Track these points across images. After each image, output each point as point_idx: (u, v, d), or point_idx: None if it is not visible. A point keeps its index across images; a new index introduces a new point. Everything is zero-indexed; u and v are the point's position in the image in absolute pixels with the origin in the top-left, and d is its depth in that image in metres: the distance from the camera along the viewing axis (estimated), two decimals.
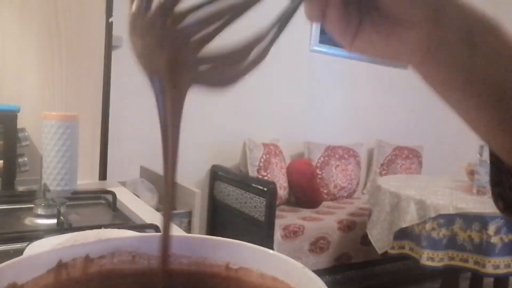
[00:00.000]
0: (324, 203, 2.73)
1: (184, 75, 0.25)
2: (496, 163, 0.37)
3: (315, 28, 2.74)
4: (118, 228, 0.63)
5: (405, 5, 0.29)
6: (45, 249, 0.31)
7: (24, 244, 0.57)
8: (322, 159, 2.83)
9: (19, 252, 0.52)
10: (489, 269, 1.78)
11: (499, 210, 0.38)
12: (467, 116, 0.33)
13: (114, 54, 1.28)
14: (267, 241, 2.06)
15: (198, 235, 0.35)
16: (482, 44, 0.30)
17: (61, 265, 0.30)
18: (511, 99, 0.30)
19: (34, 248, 0.52)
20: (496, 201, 0.38)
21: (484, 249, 1.78)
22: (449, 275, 2.02)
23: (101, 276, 0.32)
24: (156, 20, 0.23)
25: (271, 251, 0.33)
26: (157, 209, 1.19)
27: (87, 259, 0.32)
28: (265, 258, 0.32)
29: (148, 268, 0.33)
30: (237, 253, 0.33)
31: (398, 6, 0.29)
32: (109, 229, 0.53)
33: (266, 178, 2.43)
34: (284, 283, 0.31)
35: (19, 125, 1.01)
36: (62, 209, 0.77)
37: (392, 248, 2.03)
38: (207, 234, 2.43)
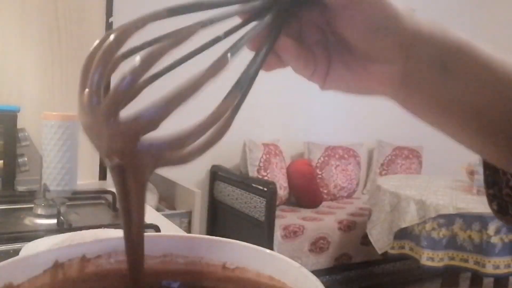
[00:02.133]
0: (324, 203, 2.73)
1: (145, 161, 0.24)
2: (489, 164, 0.37)
3: None
4: (118, 228, 0.63)
5: (375, 44, 0.29)
6: (42, 249, 0.31)
7: (24, 244, 0.58)
8: (322, 159, 2.83)
9: (19, 252, 0.52)
10: (489, 269, 1.78)
11: (493, 213, 0.38)
12: (449, 134, 0.33)
13: None
14: (267, 241, 2.06)
15: (195, 235, 0.35)
16: (455, 69, 0.29)
17: (57, 265, 0.30)
18: (491, 117, 0.30)
19: (30, 249, 0.52)
20: (490, 203, 0.38)
21: (484, 249, 1.78)
22: (449, 275, 2.02)
23: (98, 276, 0.32)
24: (108, 118, 0.23)
25: (267, 250, 0.33)
26: (157, 209, 1.19)
27: (84, 259, 0.32)
28: (262, 258, 0.32)
29: (146, 268, 0.33)
30: (233, 252, 0.33)
31: (368, 46, 0.29)
32: (106, 229, 0.53)
33: (266, 178, 2.43)
34: (281, 282, 0.31)
35: (19, 125, 1.01)
36: (62, 209, 0.77)
37: (392, 248, 2.03)
38: (207, 234, 2.43)
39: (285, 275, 0.31)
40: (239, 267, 0.33)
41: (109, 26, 1.20)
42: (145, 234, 0.29)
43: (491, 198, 0.38)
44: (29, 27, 1.10)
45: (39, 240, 0.55)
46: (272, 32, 0.29)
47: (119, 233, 0.29)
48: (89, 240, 0.33)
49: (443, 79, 0.29)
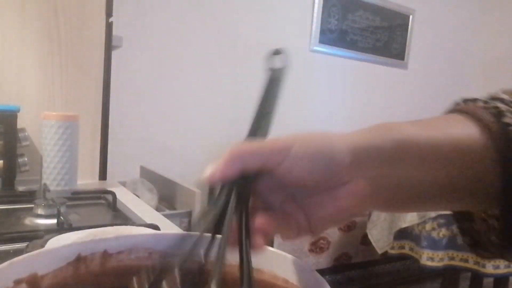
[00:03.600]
0: None
1: None
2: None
3: (315, 28, 2.74)
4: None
5: (322, 177, 0.30)
6: (66, 242, 0.32)
7: (24, 244, 0.58)
8: None
9: (19, 252, 0.52)
10: (489, 269, 1.78)
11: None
12: (435, 209, 0.37)
13: (114, 54, 1.28)
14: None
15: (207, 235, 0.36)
16: (401, 163, 0.31)
17: (80, 259, 0.31)
18: (454, 187, 0.32)
19: (55, 242, 0.53)
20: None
21: None
22: (449, 275, 2.01)
23: (118, 271, 0.33)
24: None
25: (285, 253, 0.33)
26: (157, 209, 1.19)
27: (105, 254, 0.33)
28: (277, 259, 0.33)
29: (145, 265, 0.34)
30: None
31: (317, 181, 0.30)
32: (128, 226, 0.54)
33: None
34: (295, 285, 0.32)
35: (19, 125, 1.01)
36: (62, 209, 0.77)
37: (392, 248, 2.03)
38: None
39: (298, 277, 0.31)
40: (255, 268, 0.33)
41: (108, 26, 1.20)
42: (164, 232, 0.30)
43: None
44: (29, 27, 1.10)
45: (64, 234, 0.56)
46: (241, 217, 0.30)
47: (140, 230, 0.30)
48: (111, 236, 0.34)
49: (393, 171, 0.31)
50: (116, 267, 0.33)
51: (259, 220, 0.30)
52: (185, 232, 0.30)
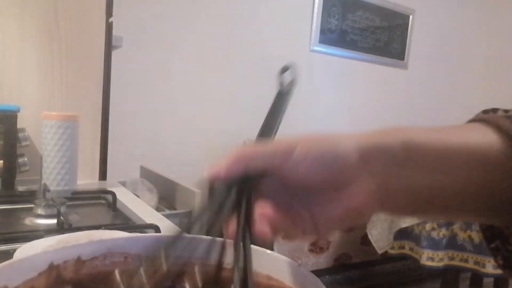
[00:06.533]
0: None
1: None
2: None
3: (315, 28, 2.74)
4: (118, 228, 0.63)
5: (330, 178, 0.30)
6: (36, 251, 0.30)
7: (24, 244, 0.57)
8: None
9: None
10: (489, 269, 1.78)
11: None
12: (442, 219, 0.35)
13: (114, 54, 1.28)
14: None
15: (191, 235, 0.35)
16: (410, 165, 0.30)
17: (52, 267, 0.30)
18: (461, 195, 0.31)
19: (25, 251, 0.52)
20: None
21: (484, 249, 1.78)
22: (449, 275, 2.01)
23: (93, 278, 0.32)
24: None
25: (265, 249, 0.33)
26: (157, 209, 1.19)
27: (79, 261, 0.32)
28: (260, 257, 0.32)
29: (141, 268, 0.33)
30: (231, 252, 0.33)
31: (325, 182, 0.30)
32: (100, 230, 0.53)
33: None
34: (279, 281, 0.31)
35: (19, 125, 1.01)
36: (62, 209, 0.77)
37: (392, 248, 2.03)
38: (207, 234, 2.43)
39: (283, 274, 0.31)
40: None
41: (108, 26, 1.20)
42: (139, 235, 0.29)
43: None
44: (29, 27, 1.10)
45: (33, 242, 0.55)
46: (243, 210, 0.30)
47: (113, 234, 0.29)
48: (84, 241, 0.32)
49: (403, 173, 0.30)
50: (91, 274, 0.32)
51: (266, 210, 0.30)
52: (158, 234, 0.30)
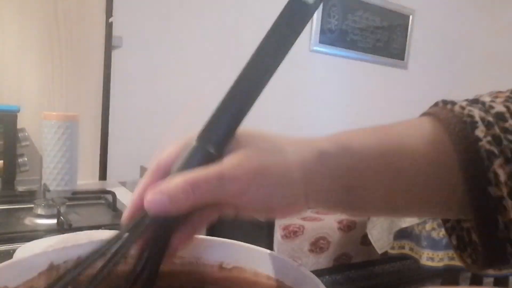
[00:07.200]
0: None
1: None
2: None
3: (315, 28, 2.74)
4: (118, 228, 0.63)
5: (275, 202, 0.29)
6: (36, 251, 0.30)
7: (24, 244, 0.57)
8: None
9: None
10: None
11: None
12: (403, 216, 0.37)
13: (114, 54, 1.28)
14: (267, 241, 2.06)
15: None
16: (358, 187, 0.30)
17: (52, 268, 0.30)
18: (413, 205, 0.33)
19: (25, 251, 0.52)
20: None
21: None
22: (449, 275, 2.01)
23: (93, 278, 0.31)
24: None
25: (264, 249, 0.33)
26: None
27: (79, 261, 0.31)
28: (259, 257, 0.32)
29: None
30: (230, 252, 0.33)
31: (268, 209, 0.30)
32: (100, 230, 0.53)
33: None
34: (279, 281, 0.31)
35: (19, 125, 1.01)
36: (62, 209, 0.77)
37: (392, 248, 2.03)
38: (206, 234, 2.43)
39: (283, 274, 0.31)
40: (236, 266, 0.33)
41: (108, 26, 1.20)
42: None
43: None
44: (29, 27, 1.10)
45: (33, 242, 0.55)
46: None
47: (114, 233, 0.29)
48: (84, 241, 0.32)
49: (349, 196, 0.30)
50: (91, 274, 0.31)
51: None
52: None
